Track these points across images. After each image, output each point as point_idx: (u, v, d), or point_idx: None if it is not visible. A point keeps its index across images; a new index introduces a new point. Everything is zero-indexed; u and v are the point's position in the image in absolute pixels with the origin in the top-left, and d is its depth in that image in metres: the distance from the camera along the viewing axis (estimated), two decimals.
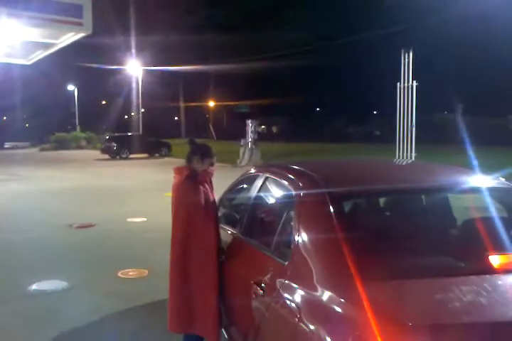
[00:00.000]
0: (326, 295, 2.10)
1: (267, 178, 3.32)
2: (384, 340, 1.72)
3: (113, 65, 40.35)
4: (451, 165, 3.72)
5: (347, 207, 3.03)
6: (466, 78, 38.01)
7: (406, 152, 13.82)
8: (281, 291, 2.35)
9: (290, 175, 2.97)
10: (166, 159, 28.18)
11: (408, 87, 13.59)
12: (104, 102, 63.43)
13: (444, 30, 32.86)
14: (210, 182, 3.58)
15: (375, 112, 59.72)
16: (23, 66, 11.84)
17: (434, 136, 32.20)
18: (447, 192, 3.18)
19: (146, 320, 4.47)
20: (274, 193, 3.30)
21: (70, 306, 4.86)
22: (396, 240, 2.53)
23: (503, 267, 2.25)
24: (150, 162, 27.04)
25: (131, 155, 30.11)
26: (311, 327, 2.05)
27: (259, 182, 3.38)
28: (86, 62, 38.83)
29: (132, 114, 47.96)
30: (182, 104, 58.41)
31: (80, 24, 7.44)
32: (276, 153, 26.06)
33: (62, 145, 42.90)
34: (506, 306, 1.97)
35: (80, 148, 42.98)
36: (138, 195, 12.98)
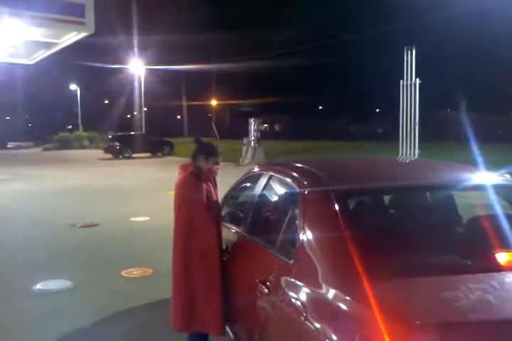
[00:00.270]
0: (331, 293, 2.08)
1: (271, 177, 3.31)
2: (391, 339, 1.71)
3: (115, 64, 40.42)
4: (455, 162, 3.70)
5: (351, 205, 3.02)
6: (470, 75, 37.91)
7: (409, 149, 13.78)
8: (286, 290, 2.33)
9: (294, 174, 2.96)
10: (169, 158, 28.21)
11: (411, 84, 13.54)
12: (106, 102, 63.53)
13: (447, 27, 32.77)
14: (215, 181, 3.57)
15: (377, 110, 59.62)
16: (25, 66, 11.86)
17: (437, 133, 32.13)
18: (452, 190, 3.16)
19: (150, 319, 4.47)
20: (279, 191, 3.29)
21: (75, 305, 4.86)
22: (401, 238, 2.51)
23: (510, 264, 2.23)
24: (153, 161, 27.06)
25: (134, 155, 30.16)
26: (317, 325, 2.03)
27: (263, 181, 3.37)
28: (88, 61, 38.87)
29: (135, 113, 48.03)
30: (184, 103, 58.44)
31: (82, 23, 7.44)
32: (279, 151, 26.03)
33: (65, 144, 43.02)
34: None
35: (83, 147, 43.07)
36: (141, 194, 12.98)
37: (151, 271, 5.86)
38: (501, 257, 2.26)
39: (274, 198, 3.38)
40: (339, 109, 56.09)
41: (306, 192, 2.65)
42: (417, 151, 13.65)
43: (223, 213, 4.03)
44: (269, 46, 41.52)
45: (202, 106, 59.84)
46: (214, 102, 59.93)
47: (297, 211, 2.63)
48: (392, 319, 1.79)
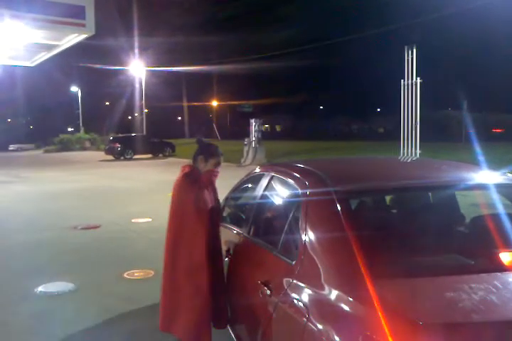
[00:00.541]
0: (334, 294, 2.07)
1: (272, 177, 3.29)
2: (395, 340, 1.70)
3: (116, 65, 40.43)
4: (457, 161, 3.69)
5: (353, 205, 3.00)
6: (471, 74, 37.86)
7: (410, 149, 13.77)
8: (288, 291, 2.32)
9: (296, 174, 2.95)
10: (170, 159, 28.21)
11: (412, 83, 13.54)
12: (107, 103, 63.55)
13: (448, 26, 32.74)
14: (213, 184, 3.49)
15: (378, 110, 59.63)
16: (26, 68, 11.88)
17: (439, 132, 32.07)
18: (455, 189, 3.15)
19: (152, 321, 4.44)
20: (280, 192, 3.28)
21: (77, 308, 4.85)
22: (404, 238, 2.50)
23: None
24: (154, 162, 27.07)
25: (135, 156, 30.20)
26: (320, 326, 2.02)
27: (264, 182, 3.36)
28: (89, 63, 38.94)
29: (136, 114, 48.06)
30: (185, 104, 58.45)
31: (83, 25, 7.44)
32: (280, 151, 26.01)
33: (66, 146, 43.11)
34: None
35: (84, 149, 43.13)
36: (142, 195, 12.98)
37: (152, 272, 5.84)
38: (504, 257, 2.25)
39: (276, 199, 3.37)
40: (340, 109, 56.13)
41: (308, 193, 2.64)
42: (418, 151, 13.64)
43: (225, 214, 4.03)
44: (269, 46, 41.49)
45: (203, 107, 59.87)
46: (215, 103, 59.95)
47: (299, 212, 2.62)
48: (396, 320, 1.78)
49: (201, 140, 3.59)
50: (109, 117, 51.81)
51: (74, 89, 54.24)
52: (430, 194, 3.44)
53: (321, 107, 66.99)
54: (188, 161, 3.57)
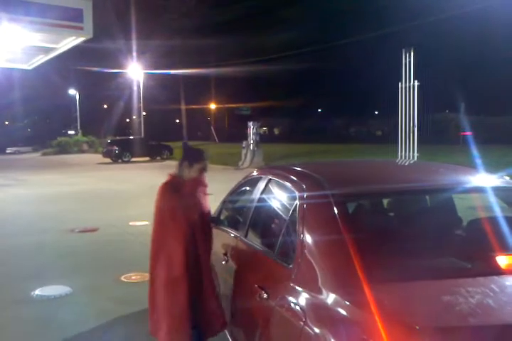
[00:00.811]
0: (331, 298, 2.07)
1: (269, 180, 3.29)
2: None
3: (114, 68, 40.40)
4: (454, 164, 3.69)
5: (351, 208, 3.00)
6: (468, 77, 37.96)
7: (408, 152, 13.77)
8: (285, 294, 2.32)
9: (293, 177, 2.94)
10: (168, 162, 28.17)
11: (410, 86, 13.56)
12: (105, 106, 63.49)
13: (445, 29, 32.85)
14: (197, 192, 3.33)
15: (376, 113, 59.72)
16: (24, 71, 11.86)
17: (436, 135, 32.09)
18: (452, 192, 3.14)
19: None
20: (278, 195, 3.27)
21: (73, 311, 4.84)
22: (401, 242, 2.50)
23: (510, 268, 2.22)
24: (151, 165, 27.04)
25: (133, 159, 30.19)
26: (317, 330, 2.02)
27: (262, 185, 3.36)
28: (87, 66, 38.91)
29: (134, 117, 48.03)
30: (183, 107, 58.46)
31: (81, 28, 7.44)
32: (278, 154, 26.02)
33: (64, 149, 43.07)
34: None
35: (82, 152, 43.08)
36: (139, 198, 12.93)
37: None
38: (501, 260, 2.25)
39: (273, 202, 3.37)
40: (338, 111, 56.20)
41: (305, 196, 2.64)
42: (416, 154, 13.65)
43: (222, 217, 4.02)
44: (267, 49, 41.56)
45: (201, 110, 59.85)
46: (213, 106, 59.95)
47: (296, 215, 2.61)
48: (392, 323, 1.77)
49: (186, 144, 3.52)
50: (107, 120, 51.73)
51: (72, 92, 54.18)
52: (427, 197, 3.43)
53: (319, 110, 67.10)
54: None
